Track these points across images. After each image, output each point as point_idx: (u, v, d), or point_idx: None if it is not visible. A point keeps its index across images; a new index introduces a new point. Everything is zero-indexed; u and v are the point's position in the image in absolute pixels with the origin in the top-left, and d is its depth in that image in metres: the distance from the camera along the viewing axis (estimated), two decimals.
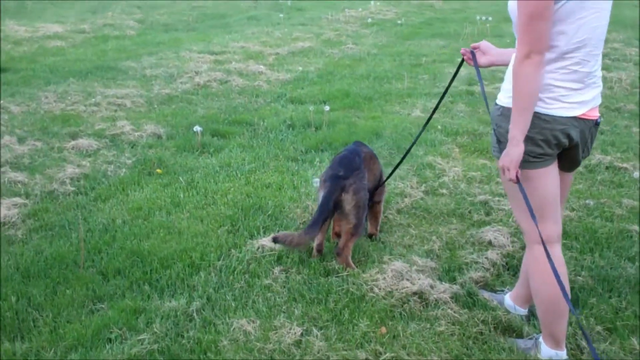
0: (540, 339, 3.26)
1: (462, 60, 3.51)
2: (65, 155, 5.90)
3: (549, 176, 2.93)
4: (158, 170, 5.55)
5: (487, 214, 4.85)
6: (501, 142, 2.91)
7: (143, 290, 3.81)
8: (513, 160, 2.78)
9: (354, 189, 4.00)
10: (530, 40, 2.64)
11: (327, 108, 6.83)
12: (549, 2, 2.62)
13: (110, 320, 3.50)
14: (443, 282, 3.86)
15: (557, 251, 3.06)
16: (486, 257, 4.19)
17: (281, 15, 14.16)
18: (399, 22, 13.42)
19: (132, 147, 6.15)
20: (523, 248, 4.32)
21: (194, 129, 6.12)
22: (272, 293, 3.80)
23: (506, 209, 4.86)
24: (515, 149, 2.76)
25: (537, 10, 2.62)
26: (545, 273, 2.94)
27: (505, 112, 2.86)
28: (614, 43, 11.73)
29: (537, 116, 2.76)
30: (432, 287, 3.80)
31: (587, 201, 5.05)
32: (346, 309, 3.64)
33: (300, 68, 9.39)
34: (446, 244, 4.41)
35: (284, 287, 3.87)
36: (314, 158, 5.89)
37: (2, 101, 7.45)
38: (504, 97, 2.89)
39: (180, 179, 5.38)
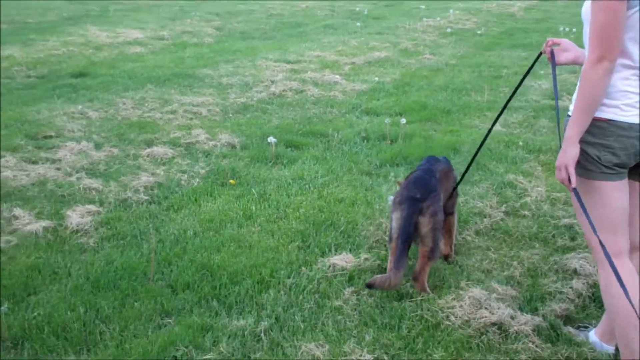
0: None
1: (539, 54, 3.42)
2: (141, 162, 5.92)
3: (620, 189, 2.89)
4: (231, 181, 5.50)
5: (572, 239, 4.59)
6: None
7: (211, 307, 3.73)
8: (568, 160, 2.76)
9: (431, 212, 3.85)
10: (602, 46, 2.64)
11: (403, 121, 6.66)
12: (622, 8, 2.62)
13: (177, 337, 3.42)
14: (524, 313, 3.64)
15: (628, 263, 2.98)
16: (571, 287, 3.94)
17: (358, 24, 14.04)
18: (479, 32, 13.11)
19: (206, 157, 6.12)
20: None
21: (268, 140, 6.04)
22: (342, 316, 3.66)
23: None
24: (571, 149, 2.75)
25: (609, 16, 2.62)
26: (617, 293, 2.81)
27: None
28: None
29: (614, 124, 2.76)
30: (512, 317, 3.58)
31: None
32: (420, 337, 3.47)
33: (376, 78, 9.24)
34: (528, 271, 4.17)
35: (355, 309, 3.72)
36: (388, 172, 5.73)
37: (80, 106, 7.57)
38: (572, 106, 2.84)
39: (253, 190, 5.30)
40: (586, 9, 2.77)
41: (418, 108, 7.75)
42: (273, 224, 4.76)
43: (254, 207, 5.01)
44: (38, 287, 3.94)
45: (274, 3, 17.80)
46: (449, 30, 13.35)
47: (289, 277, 4.02)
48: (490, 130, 4.16)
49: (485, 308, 3.67)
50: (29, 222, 4.69)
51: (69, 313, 3.64)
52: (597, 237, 2.79)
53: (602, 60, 2.64)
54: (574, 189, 2.80)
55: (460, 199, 5.21)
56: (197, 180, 5.56)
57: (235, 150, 6.31)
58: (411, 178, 4.12)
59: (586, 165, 2.83)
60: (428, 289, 3.90)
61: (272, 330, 3.51)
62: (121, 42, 11.85)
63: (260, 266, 4.13)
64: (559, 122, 3.12)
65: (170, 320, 3.61)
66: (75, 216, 4.76)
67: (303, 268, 4.14)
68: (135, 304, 3.75)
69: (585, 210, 2.81)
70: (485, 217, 4.92)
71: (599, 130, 2.78)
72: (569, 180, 2.79)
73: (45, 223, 4.68)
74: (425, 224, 3.84)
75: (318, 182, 5.51)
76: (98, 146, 6.33)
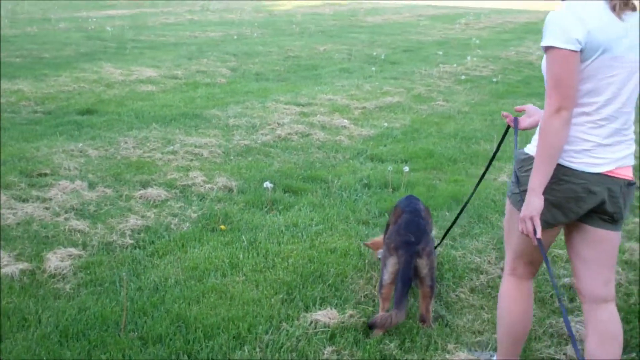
0: (494, 358, 3.49)
1: (508, 127, 3.49)
2: (132, 204, 5.77)
3: (548, 234, 2.97)
4: (222, 227, 5.32)
5: (572, 300, 4.35)
6: (520, 183, 2.97)
7: None
8: (533, 212, 2.79)
9: (427, 253, 3.94)
10: (559, 96, 2.71)
11: (406, 169, 6.47)
12: (576, 59, 2.71)
13: None
14: None
15: (527, 287, 3.24)
16: (565, 354, 3.70)
17: (373, 68, 13.94)
18: (495, 79, 12.94)
19: (200, 200, 5.96)
20: None
21: (265, 185, 5.88)
22: None
23: None
24: (535, 199, 2.79)
25: (563, 67, 2.71)
26: (510, 302, 3.22)
27: (529, 159, 2.90)
28: None
29: (558, 168, 2.80)
30: None
31: None
32: None
33: (386, 124, 9.08)
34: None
35: None
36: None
37: (81, 144, 7.47)
38: (532, 147, 2.92)
39: (243, 237, 5.12)
40: (544, 64, 2.84)
41: (424, 155, 7.56)
42: (259, 274, 4.56)
43: (241, 255, 4.83)
44: (5, 334, 3.77)
45: (293, 45, 17.81)
46: (463, 77, 13.20)
47: (267, 333, 3.81)
48: (476, 187, 4.19)
49: None
50: (7, 264, 4.54)
51: None
52: (553, 281, 3.07)
53: (559, 111, 2.71)
54: (538, 240, 2.84)
55: (458, 253, 5.00)
56: (187, 224, 5.40)
57: (231, 194, 6.14)
58: (401, 222, 4.14)
59: (522, 197, 2.90)
60: (433, 325, 3.97)
61: None
62: (133, 80, 11.84)
63: (238, 320, 3.93)
64: (517, 173, 3.05)
65: None
66: (55, 259, 4.61)
67: (284, 323, 3.93)
68: (103, 356, 3.57)
69: (546, 258, 2.93)
70: (481, 274, 4.70)
71: None
72: (534, 232, 2.82)
73: (23, 265, 4.53)
74: (423, 265, 3.91)
75: (312, 230, 5.32)
76: (92, 186, 6.20)
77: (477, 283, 4.57)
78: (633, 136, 2.92)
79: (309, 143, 8.02)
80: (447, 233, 4.46)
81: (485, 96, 11.54)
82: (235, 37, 19.31)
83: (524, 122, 3.38)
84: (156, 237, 5.14)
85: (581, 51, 2.71)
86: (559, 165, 2.80)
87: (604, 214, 2.92)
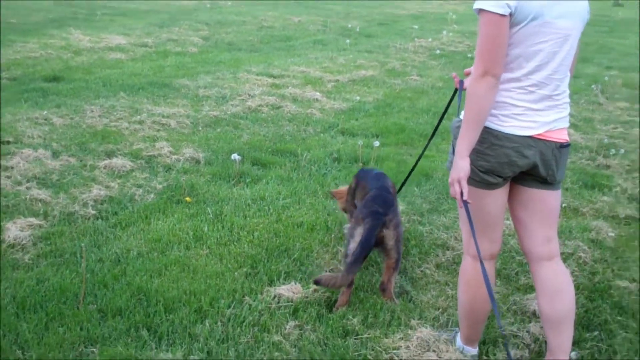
0: (458, 336, 3.47)
1: (456, 90, 3.41)
2: (96, 174, 5.65)
3: (492, 198, 3.00)
4: (187, 199, 5.24)
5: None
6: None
7: (140, 336, 3.47)
8: (460, 174, 2.80)
9: (394, 224, 3.96)
10: (486, 60, 2.71)
11: (376, 143, 6.41)
12: (505, 23, 2.70)
13: None
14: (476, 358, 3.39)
15: (488, 268, 3.10)
16: (527, 331, 3.69)
17: (348, 41, 13.82)
18: (470, 55, 12.89)
19: (166, 171, 5.86)
20: None
21: (232, 157, 5.78)
22: (280, 352, 3.41)
23: None
24: (461, 162, 2.80)
25: (492, 30, 2.70)
26: (470, 282, 3.16)
27: None
28: None
29: (489, 132, 2.83)
30: None
31: None
32: None
33: (358, 97, 9.00)
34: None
35: (295, 346, 3.47)
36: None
37: (46, 112, 7.30)
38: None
39: (208, 210, 5.04)
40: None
41: (396, 130, 7.51)
42: (223, 248, 4.50)
43: (206, 228, 4.75)
44: None
45: (267, 15, 17.61)
46: (438, 52, 13.14)
47: (229, 307, 3.76)
48: (420, 157, 4.31)
49: (434, 351, 3.43)
50: None
51: None
52: (475, 240, 2.94)
53: (485, 75, 2.71)
54: (465, 202, 2.85)
55: (425, 229, 4.98)
56: (152, 196, 5.30)
57: (198, 166, 6.05)
58: (369, 197, 4.17)
59: None
60: (395, 299, 3.93)
61: None
62: (102, 48, 11.61)
63: (200, 293, 3.86)
64: (453, 143, 3.02)
65: (94, 349, 3.35)
66: (15, 229, 4.50)
67: (247, 297, 3.88)
68: (60, 329, 3.49)
69: (470, 218, 2.91)
70: (448, 250, 4.68)
71: None
72: (462, 194, 2.84)
73: None
74: (390, 237, 3.91)
75: (279, 204, 5.26)
76: (55, 155, 6.06)
77: (443, 259, 4.55)
78: (567, 100, 2.97)
79: (280, 115, 7.93)
80: (404, 183, 4.52)
81: (459, 71, 11.45)
82: (208, 5, 19.05)
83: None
84: (119, 208, 5.05)
85: (511, 15, 2.70)
86: (490, 130, 2.84)
87: (537, 176, 2.99)
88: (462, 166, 2.80)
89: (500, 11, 2.68)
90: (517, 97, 2.84)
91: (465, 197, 2.83)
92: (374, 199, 4.11)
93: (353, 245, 3.92)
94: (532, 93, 2.84)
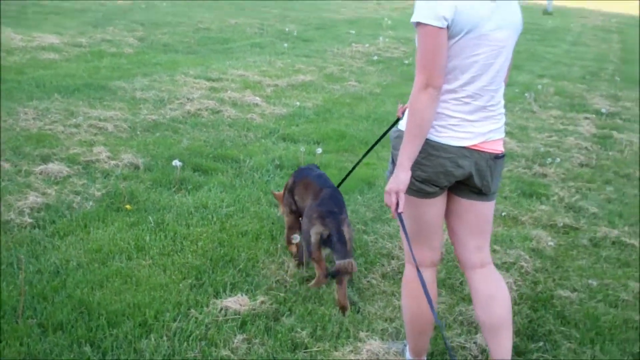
0: (407, 349, 3.46)
1: (397, 119, 3.30)
2: (32, 180, 5.46)
3: (429, 207, 3.04)
4: (127, 207, 5.11)
5: None
6: (395, 162, 2.94)
7: (83, 352, 3.36)
8: (399, 186, 2.82)
9: (348, 223, 4.12)
10: (426, 72, 2.73)
11: (319, 150, 6.39)
12: (442, 35, 2.72)
13: None
14: None
15: (429, 275, 3.16)
16: (475, 342, 3.73)
17: (285, 44, 13.78)
18: (406, 61, 13.03)
19: (105, 177, 5.71)
20: (517, 333, 3.87)
21: (173, 163, 5.67)
22: None
23: None
24: (402, 174, 2.82)
25: (430, 43, 2.73)
26: (413, 292, 3.14)
27: (402, 136, 2.87)
28: (626, 102, 11.36)
29: (426, 142, 2.84)
30: None
31: (590, 281, 4.61)
32: None
33: (298, 103, 8.97)
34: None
35: None
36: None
37: None
38: (404, 123, 2.92)
39: (150, 218, 4.93)
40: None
41: (337, 137, 7.52)
42: (167, 258, 4.40)
43: (148, 237, 4.64)
44: None
45: (203, 16, 17.39)
46: (375, 58, 13.24)
47: (174, 321, 3.67)
48: (357, 163, 4.46)
49: None
50: None
51: None
52: (410, 249, 3.02)
53: (427, 87, 2.73)
54: (399, 214, 2.88)
55: (369, 238, 4.99)
56: (91, 203, 5.15)
57: (137, 172, 5.91)
58: (324, 195, 4.25)
59: None
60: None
61: None
62: (35, 47, 11.24)
63: (144, 306, 3.77)
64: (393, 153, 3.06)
65: None
66: None
67: (192, 310, 3.80)
68: None
69: (404, 228, 2.98)
70: (393, 259, 4.70)
71: None
72: (397, 205, 2.86)
73: None
74: (347, 232, 4.05)
75: (222, 212, 5.18)
76: None
77: (388, 269, 4.56)
78: (502, 110, 3.02)
79: (220, 120, 7.83)
80: (343, 180, 4.65)
81: (396, 78, 11.61)
82: (143, 5, 18.69)
83: None
84: (57, 216, 4.88)
85: (448, 28, 2.73)
86: (427, 140, 2.85)
87: (473, 187, 3.04)
88: (402, 179, 2.83)
89: (438, 24, 2.71)
90: (453, 108, 2.87)
91: (400, 209, 2.86)
92: (330, 198, 4.21)
93: (313, 239, 4.05)
94: (468, 104, 2.88)
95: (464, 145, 2.90)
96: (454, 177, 2.96)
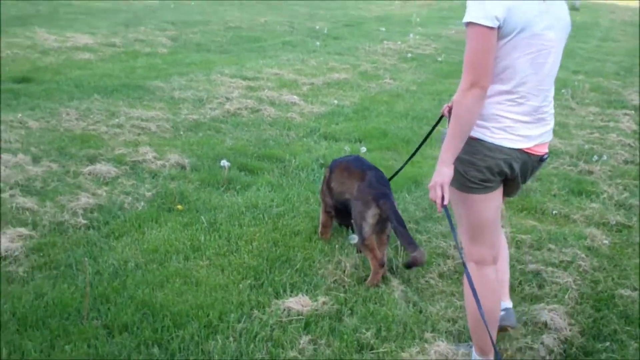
0: (473, 349, 3.40)
1: (441, 117, 3.56)
2: (81, 181, 5.47)
3: (488, 202, 3.07)
4: (179, 207, 5.10)
5: (540, 287, 4.34)
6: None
7: (151, 354, 3.35)
8: (443, 180, 2.87)
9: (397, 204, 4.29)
10: (473, 73, 2.76)
11: (363, 149, 6.36)
12: (492, 36, 2.74)
13: None
14: None
15: (491, 272, 3.21)
16: (542, 343, 3.67)
17: (317, 43, 13.73)
18: (439, 58, 12.95)
19: (153, 177, 5.71)
20: (582, 333, 3.82)
21: (221, 163, 5.66)
22: None
23: (561, 283, 4.35)
24: (445, 169, 2.87)
25: (479, 43, 2.75)
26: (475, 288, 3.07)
27: None
28: None
29: (482, 144, 2.91)
30: None
31: None
32: None
33: (336, 101, 8.94)
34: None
35: None
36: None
37: (20, 115, 7.05)
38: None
39: (202, 218, 4.92)
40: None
41: (378, 135, 7.47)
42: (223, 258, 4.39)
43: (202, 238, 4.63)
44: None
45: (232, 15, 17.41)
46: (409, 55, 13.16)
47: (239, 322, 3.66)
48: (405, 163, 4.50)
49: None
50: None
51: None
52: (458, 246, 3.11)
53: (473, 87, 2.76)
54: (444, 207, 2.91)
55: (423, 237, 4.94)
56: (142, 204, 5.15)
57: (184, 172, 5.91)
58: (372, 177, 4.32)
59: (455, 178, 2.94)
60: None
61: None
62: (69, 47, 11.31)
63: (207, 307, 3.75)
64: None
65: None
66: (5, 240, 4.32)
67: (255, 311, 3.78)
68: (66, 347, 3.35)
69: (450, 222, 3.00)
70: (448, 259, 4.65)
71: (467, 147, 2.91)
72: (442, 199, 2.90)
73: None
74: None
75: (273, 212, 5.16)
76: (36, 160, 5.85)
77: (444, 268, 4.51)
78: (553, 111, 3.06)
79: (260, 119, 7.82)
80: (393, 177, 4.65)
81: (430, 75, 11.53)
82: (172, 5, 18.75)
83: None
84: (110, 216, 4.89)
85: (499, 28, 2.75)
86: (483, 142, 2.92)
87: (509, 186, 3.14)
88: (446, 172, 2.88)
89: (489, 24, 2.72)
90: (508, 109, 2.90)
91: (445, 202, 2.90)
92: (379, 180, 4.30)
93: (368, 228, 4.12)
94: (522, 105, 2.90)
95: (518, 148, 2.94)
96: (504, 176, 3.02)
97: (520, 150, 2.95)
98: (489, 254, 3.20)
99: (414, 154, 4.38)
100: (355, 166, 4.49)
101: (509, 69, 2.85)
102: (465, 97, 2.79)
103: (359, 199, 4.22)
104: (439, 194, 2.89)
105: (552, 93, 3.03)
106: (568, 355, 3.63)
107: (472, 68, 2.77)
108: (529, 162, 3.03)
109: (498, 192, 3.10)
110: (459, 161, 2.92)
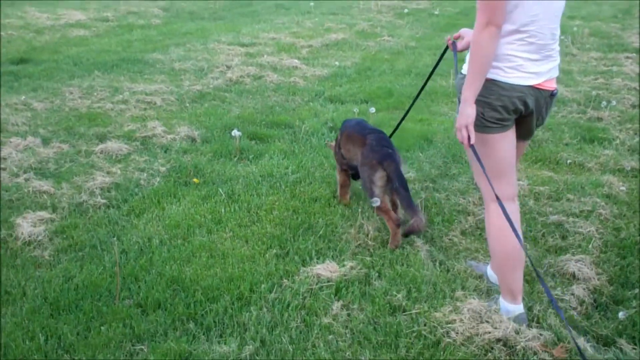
0: (500, 298, 3.47)
1: (446, 48, 3.71)
2: (94, 160, 5.45)
3: (505, 141, 3.19)
4: (195, 180, 5.09)
5: (563, 238, 4.35)
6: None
7: (187, 329, 3.36)
8: (468, 120, 2.99)
9: (402, 161, 4.35)
10: (488, 12, 2.84)
11: (372, 110, 6.32)
12: None
13: None
14: (530, 327, 3.37)
15: (514, 208, 3.33)
16: (572, 294, 3.69)
17: (311, 3, 13.60)
18: (435, 12, 12.83)
19: (165, 152, 5.68)
20: (610, 281, 3.84)
21: (233, 133, 5.62)
22: (333, 335, 3.33)
23: (584, 233, 4.37)
24: (468, 109, 2.99)
25: None
26: (499, 228, 3.26)
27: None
28: None
29: (496, 84, 3.02)
30: (517, 332, 3.30)
31: None
32: (421, 357, 3.18)
33: (337, 63, 8.88)
34: (523, 276, 3.90)
35: (347, 327, 3.40)
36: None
37: (24, 97, 7.00)
38: (467, 66, 3.05)
39: (220, 190, 4.90)
40: None
41: (384, 95, 7.43)
42: (246, 229, 4.39)
43: (223, 210, 4.63)
44: None
45: None
46: (405, 10, 13.03)
47: (270, 292, 3.67)
48: (404, 117, 4.54)
49: (487, 322, 3.38)
50: None
51: (27, 342, 3.22)
52: (489, 181, 3.12)
53: (488, 26, 2.85)
54: (472, 146, 3.06)
55: (441, 195, 4.94)
56: (158, 179, 5.13)
57: (195, 145, 5.88)
58: (373, 140, 4.33)
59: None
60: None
61: (258, 356, 3.17)
62: (63, 25, 11.19)
63: (237, 279, 3.76)
64: (459, 97, 3.14)
65: (143, 347, 3.23)
66: (27, 225, 4.30)
67: (284, 280, 3.79)
68: (102, 328, 3.36)
69: (480, 161, 3.10)
70: (469, 215, 4.65)
71: (483, 89, 3.00)
72: (469, 139, 3.03)
73: None
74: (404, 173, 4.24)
75: (289, 179, 5.15)
76: (46, 142, 5.82)
77: (466, 225, 4.52)
78: (558, 48, 3.17)
79: (264, 86, 7.76)
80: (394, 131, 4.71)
81: (428, 30, 11.44)
82: None
83: (460, 44, 3.59)
84: (128, 194, 4.88)
85: None
86: (497, 82, 3.03)
87: (526, 125, 3.26)
88: (469, 113, 3.00)
89: None
90: (519, 49, 2.99)
91: (472, 142, 3.04)
92: (380, 141, 4.31)
93: (378, 191, 4.15)
94: (532, 44, 2.99)
95: (530, 84, 3.05)
96: (520, 113, 3.14)
97: (532, 87, 3.06)
98: (511, 191, 3.32)
99: (414, 101, 4.50)
100: (357, 132, 4.52)
101: (518, 8, 2.91)
102: (481, 35, 2.88)
103: (365, 165, 4.26)
104: (465, 134, 3.04)
105: (558, 31, 3.12)
106: (599, 305, 3.65)
107: (487, 7, 2.84)
108: (541, 98, 3.14)
109: (513, 130, 3.22)
110: (476, 103, 3.02)
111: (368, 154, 4.27)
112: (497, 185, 3.21)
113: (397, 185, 4.08)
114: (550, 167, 5.54)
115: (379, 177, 4.16)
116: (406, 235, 4.12)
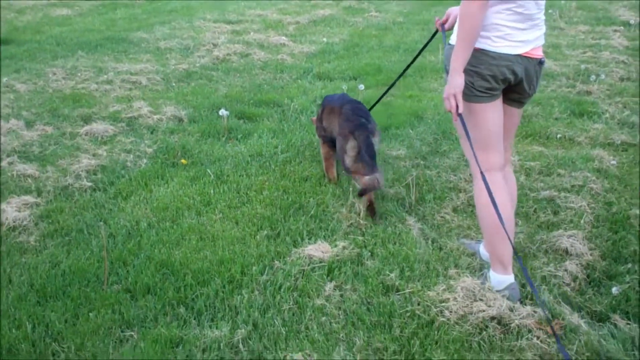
0: (490, 271, 3.46)
1: (436, 31, 3.73)
2: (79, 142, 5.36)
3: (493, 110, 3.23)
4: (183, 161, 5.02)
5: (555, 214, 4.31)
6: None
7: (178, 314, 3.31)
8: (456, 89, 3.03)
9: (378, 132, 4.38)
10: None
11: (361, 87, 6.25)
12: None
13: (144, 354, 3.00)
14: (524, 305, 3.33)
15: (501, 178, 3.34)
16: (565, 270, 3.65)
17: None
18: None
19: (151, 133, 5.60)
20: (603, 256, 3.81)
21: (220, 112, 5.54)
22: (326, 317, 3.29)
23: (576, 208, 4.33)
24: (456, 78, 3.02)
25: None
26: (487, 200, 3.15)
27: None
28: None
29: (485, 53, 3.07)
30: (511, 309, 3.26)
31: None
32: (415, 337, 3.13)
33: (325, 39, 8.78)
34: (517, 252, 3.87)
35: (340, 308, 3.36)
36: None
37: (6, 78, 6.87)
38: (454, 36, 3.11)
39: (209, 171, 4.84)
40: None
41: (372, 72, 7.35)
42: (235, 210, 4.32)
43: (212, 191, 4.56)
44: None
45: None
46: None
47: (262, 274, 3.62)
48: (384, 94, 4.66)
49: (481, 299, 3.35)
50: None
51: (14, 331, 3.16)
52: (474, 153, 3.14)
53: None
54: (460, 115, 3.08)
55: (432, 172, 4.89)
56: (145, 161, 5.06)
57: (182, 125, 5.80)
58: (348, 110, 4.40)
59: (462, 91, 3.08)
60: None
61: (250, 339, 3.12)
62: (45, 4, 11.02)
63: (228, 262, 3.71)
64: (447, 68, 3.17)
65: (132, 333, 3.18)
66: (11, 210, 4.23)
67: (276, 261, 3.74)
68: (90, 314, 3.30)
69: (467, 131, 3.12)
70: (460, 192, 4.61)
71: (472, 58, 3.04)
72: (457, 108, 3.06)
73: None
74: (376, 143, 4.29)
75: (279, 158, 5.08)
76: (29, 124, 5.72)
77: (458, 202, 4.47)
78: (544, 17, 3.22)
79: (251, 64, 7.67)
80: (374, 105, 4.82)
81: (415, 4, 11.33)
82: None
83: (448, 24, 3.57)
84: (115, 177, 4.80)
85: None
86: (486, 51, 3.08)
87: (517, 93, 3.29)
88: (458, 82, 3.03)
89: None
90: (507, 19, 3.05)
91: (460, 111, 3.07)
92: (355, 112, 4.36)
93: (349, 160, 4.19)
94: (519, 14, 3.05)
95: (518, 53, 3.10)
96: (508, 83, 3.18)
97: (520, 56, 3.11)
98: (497, 161, 3.33)
99: (400, 76, 4.55)
100: (336, 104, 4.58)
101: None
102: (469, 5, 2.92)
103: (340, 135, 4.32)
104: (453, 104, 3.07)
105: (544, 1, 3.17)
106: (592, 280, 3.62)
107: None
108: (531, 67, 3.18)
109: (500, 100, 3.27)
110: (466, 73, 3.05)
111: (343, 123, 4.35)
112: (486, 155, 3.26)
113: (363, 152, 4.13)
114: (541, 142, 5.50)
115: (350, 147, 4.19)
116: (361, 194, 4.16)
